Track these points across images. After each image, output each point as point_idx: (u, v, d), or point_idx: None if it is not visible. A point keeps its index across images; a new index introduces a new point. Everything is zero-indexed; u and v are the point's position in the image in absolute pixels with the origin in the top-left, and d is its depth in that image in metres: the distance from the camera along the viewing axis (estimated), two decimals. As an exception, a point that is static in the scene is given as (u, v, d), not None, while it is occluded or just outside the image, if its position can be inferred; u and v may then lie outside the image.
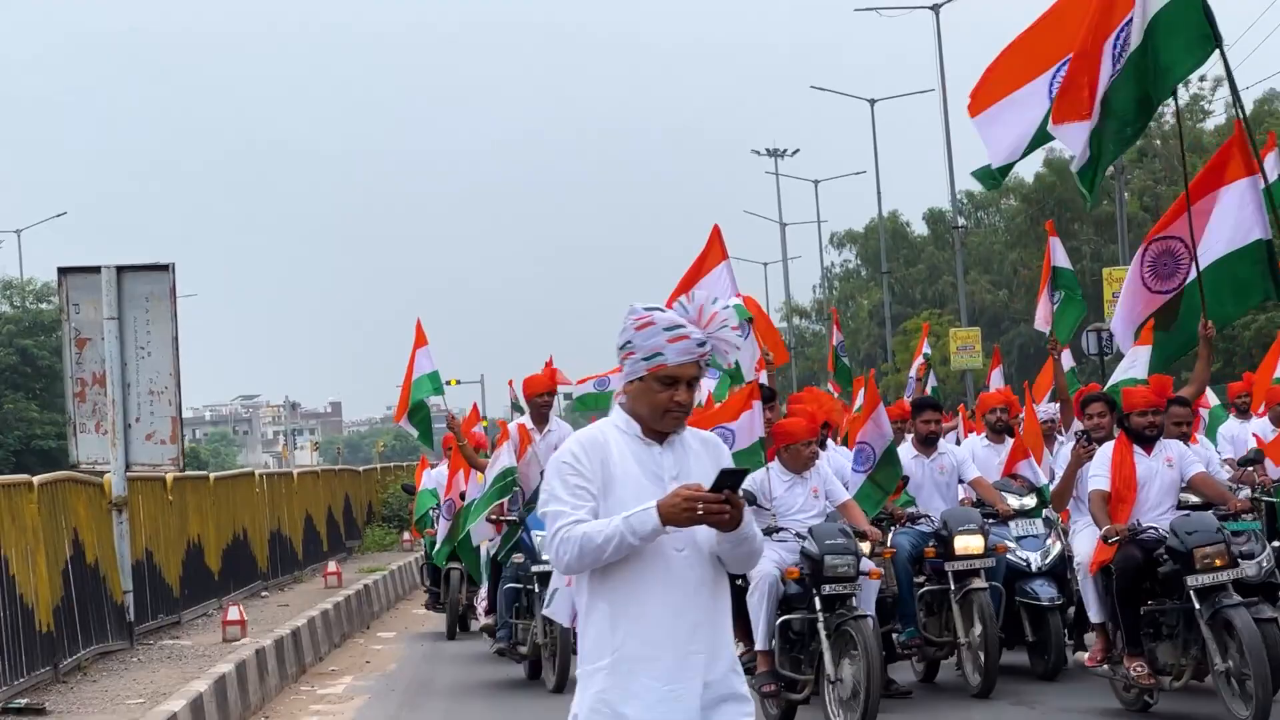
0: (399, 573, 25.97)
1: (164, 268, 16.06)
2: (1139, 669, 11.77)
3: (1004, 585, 13.67)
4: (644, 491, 5.46)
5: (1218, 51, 11.95)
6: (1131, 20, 11.91)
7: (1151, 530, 11.66)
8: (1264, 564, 12.10)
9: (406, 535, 30.84)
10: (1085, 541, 12.33)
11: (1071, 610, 13.89)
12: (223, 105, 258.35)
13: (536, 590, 14.68)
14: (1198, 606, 11.30)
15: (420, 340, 17.97)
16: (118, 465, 15.97)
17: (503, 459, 14.84)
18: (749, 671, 12.20)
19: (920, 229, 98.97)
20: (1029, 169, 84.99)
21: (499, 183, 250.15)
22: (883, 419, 13.37)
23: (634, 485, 5.50)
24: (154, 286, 15.98)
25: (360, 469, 36.86)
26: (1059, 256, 17.00)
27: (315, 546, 26.72)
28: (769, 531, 12.12)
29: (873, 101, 66.46)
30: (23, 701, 12.29)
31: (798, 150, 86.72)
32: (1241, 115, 14.58)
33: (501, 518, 15.05)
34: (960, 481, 14.31)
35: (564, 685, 14.27)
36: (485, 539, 15.78)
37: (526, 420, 15.54)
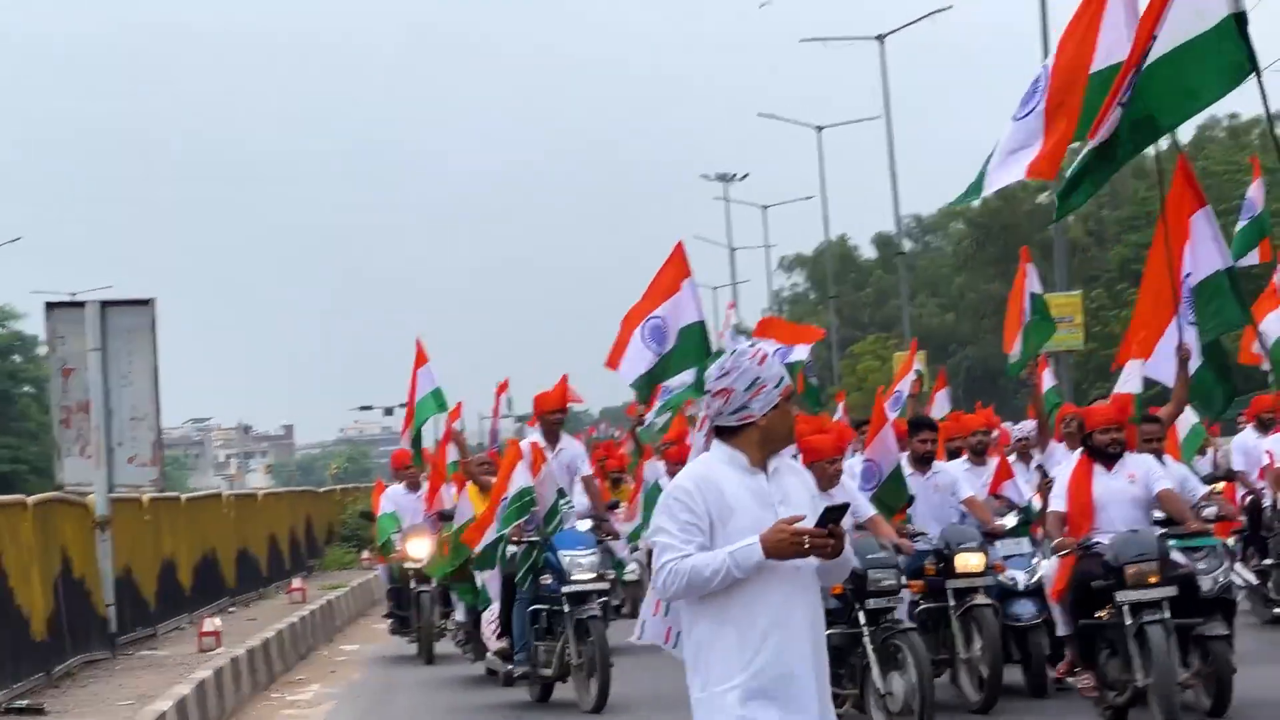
0: (359, 589, 27.09)
1: (145, 303, 17.27)
2: (1086, 681, 12.16)
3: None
4: (758, 519, 5.95)
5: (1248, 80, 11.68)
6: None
7: (1103, 545, 11.87)
8: (1219, 579, 12.35)
9: (365, 554, 31.73)
10: (1051, 563, 12.68)
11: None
12: (175, 126, 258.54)
13: (567, 610, 14.57)
14: (1128, 622, 11.63)
15: (420, 359, 18.37)
16: (101, 486, 17.12)
17: (518, 479, 14.71)
18: None
19: (869, 252, 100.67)
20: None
21: (450, 203, 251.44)
22: (889, 437, 13.58)
23: (749, 514, 5.97)
24: (136, 320, 17.16)
25: (320, 490, 38.14)
26: (1034, 282, 17.58)
27: (279, 564, 27.89)
28: None
29: (819, 128, 67.72)
30: (23, 703, 13.43)
31: (747, 175, 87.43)
32: (1175, 147, 15.07)
33: (521, 539, 14.84)
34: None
35: (604, 705, 14.39)
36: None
37: (539, 438, 15.65)
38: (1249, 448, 17.82)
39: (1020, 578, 13.97)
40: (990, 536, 14.00)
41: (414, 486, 19.40)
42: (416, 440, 18.90)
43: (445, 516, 17.33)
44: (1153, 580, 11.64)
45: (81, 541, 16.49)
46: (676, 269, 16.32)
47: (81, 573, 16.30)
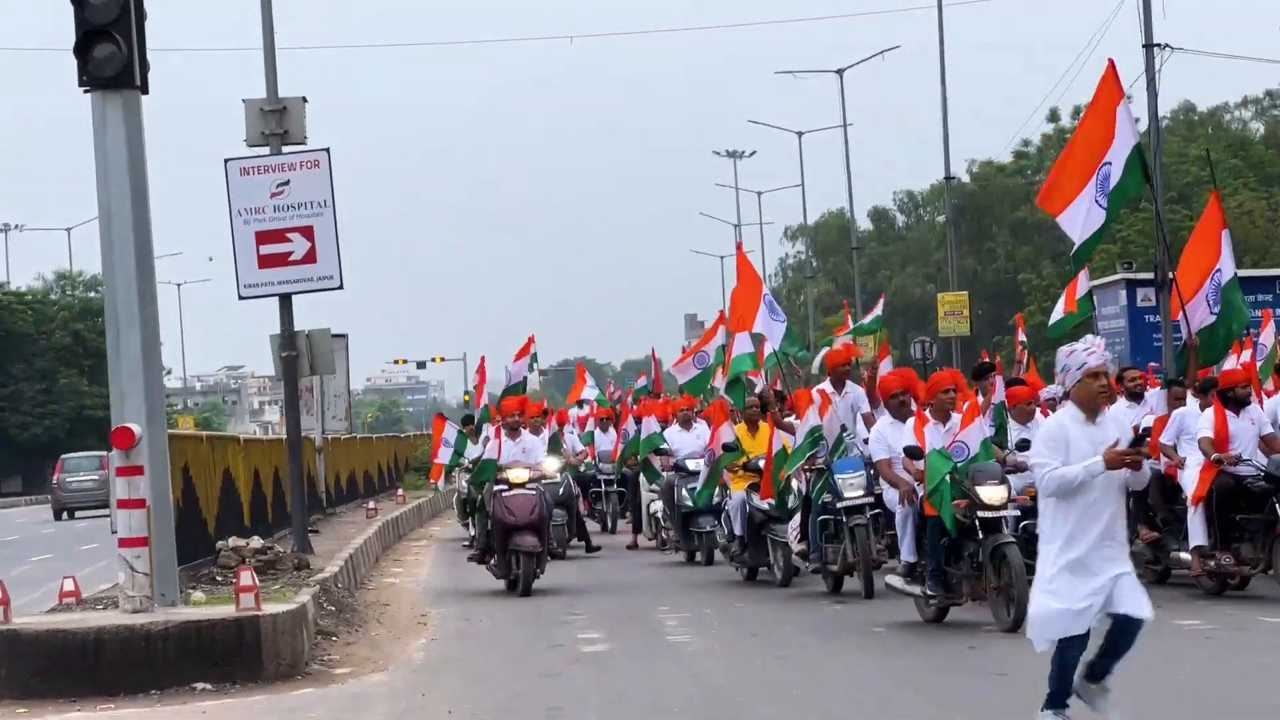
0: (433, 500, 44.65)
1: (343, 336, 35.01)
2: (1228, 561, 16.44)
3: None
4: (1086, 451, 10.06)
5: None
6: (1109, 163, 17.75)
7: (1245, 464, 16.67)
8: None
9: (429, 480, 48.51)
10: (1191, 477, 16.98)
11: None
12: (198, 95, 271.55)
13: (845, 521, 18.14)
14: None
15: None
16: (318, 431, 35.04)
17: (810, 420, 18.43)
18: (905, 575, 16.49)
19: (866, 224, 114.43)
20: (963, 176, 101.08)
21: (459, 163, 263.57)
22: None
23: (1081, 449, 10.10)
24: (338, 343, 34.87)
25: (402, 435, 56.84)
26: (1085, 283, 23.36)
27: (384, 482, 46.23)
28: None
29: (800, 134, 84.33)
30: (311, 529, 31.21)
31: (755, 151, 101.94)
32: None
33: (813, 467, 18.61)
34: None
35: (871, 593, 18.18)
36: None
37: (826, 385, 19.35)
38: None
39: None
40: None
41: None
42: (740, 391, 23.39)
43: (728, 448, 21.25)
44: None
45: (311, 459, 34.38)
46: (753, 281, 22.25)
47: (314, 475, 34.20)
